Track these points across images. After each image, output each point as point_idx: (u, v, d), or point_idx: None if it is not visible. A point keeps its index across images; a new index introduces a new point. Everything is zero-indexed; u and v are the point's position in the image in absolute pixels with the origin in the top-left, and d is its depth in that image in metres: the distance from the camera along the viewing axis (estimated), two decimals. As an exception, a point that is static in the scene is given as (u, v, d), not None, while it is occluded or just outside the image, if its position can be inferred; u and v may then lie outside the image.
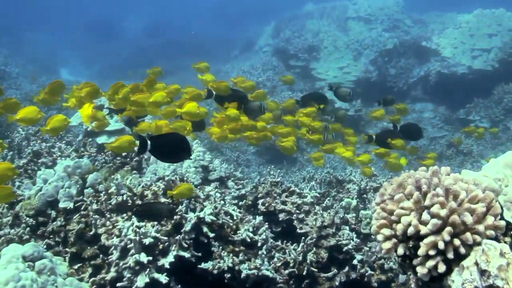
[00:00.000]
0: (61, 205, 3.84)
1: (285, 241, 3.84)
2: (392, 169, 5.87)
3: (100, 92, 3.86)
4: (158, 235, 3.29)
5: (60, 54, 23.73)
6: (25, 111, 3.32)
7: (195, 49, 23.43)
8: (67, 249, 3.64)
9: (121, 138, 3.50)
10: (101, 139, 6.11)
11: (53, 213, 3.85)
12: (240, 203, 4.07)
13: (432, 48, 13.91)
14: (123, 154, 4.85)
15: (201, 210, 3.50)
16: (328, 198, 4.35)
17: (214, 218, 3.41)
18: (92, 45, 24.87)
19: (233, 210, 3.69)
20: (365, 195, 5.51)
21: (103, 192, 3.73)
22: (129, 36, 26.66)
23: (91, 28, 26.46)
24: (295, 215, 4.00)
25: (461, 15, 14.57)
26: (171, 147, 3.02)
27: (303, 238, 3.67)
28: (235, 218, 3.61)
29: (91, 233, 3.56)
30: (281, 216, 4.01)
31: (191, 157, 3.47)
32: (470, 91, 12.51)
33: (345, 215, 4.00)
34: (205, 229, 3.38)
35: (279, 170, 9.61)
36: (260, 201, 4.16)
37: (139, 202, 3.62)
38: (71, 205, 3.84)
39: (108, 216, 3.59)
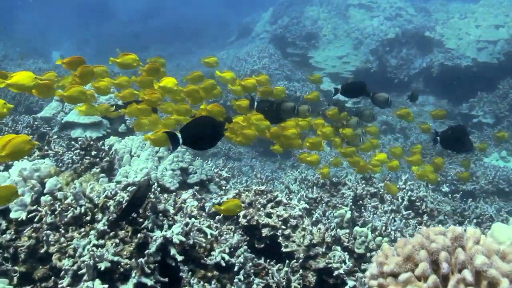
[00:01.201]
0: (13, 215, 3.34)
1: (268, 260, 3.36)
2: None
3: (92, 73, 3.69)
4: (116, 258, 2.80)
5: (51, 36, 23.07)
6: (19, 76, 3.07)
7: (191, 34, 22.83)
8: (16, 268, 3.15)
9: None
10: (76, 133, 5.63)
11: (3, 224, 3.35)
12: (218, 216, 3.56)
13: (435, 39, 13.36)
14: (93, 153, 4.35)
15: (170, 227, 3.01)
16: (319, 211, 3.83)
17: (183, 239, 2.92)
18: (85, 27, 24.21)
19: (208, 226, 3.20)
20: (361, 202, 5.04)
21: (58, 203, 3.23)
22: (123, 18, 25.94)
23: (84, 9, 25.71)
24: (280, 231, 3.51)
25: (467, 5, 14.00)
26: (202, 133, 2.94)
27: (287, 262, 3.19)
28: (209, 236, 3.12)
29: (43, 250, 3.07)
30: (265, 231, 3.53)
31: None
32: (474, 84, 11.99)
33: (337, 231, 3.51)
34: (172, 251, 2.89)
35: (272, 165, 9.14)
36: (241, 213, 3.66)
37: (99, 215, 3.13)
38: (23, 215, 3.34)
39: (63, 231, 3.09)
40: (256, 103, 4.04)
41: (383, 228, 4.60)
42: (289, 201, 3.81)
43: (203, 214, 4.07)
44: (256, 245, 3.57)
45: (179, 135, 2.85)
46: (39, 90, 3.34)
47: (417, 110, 12.27)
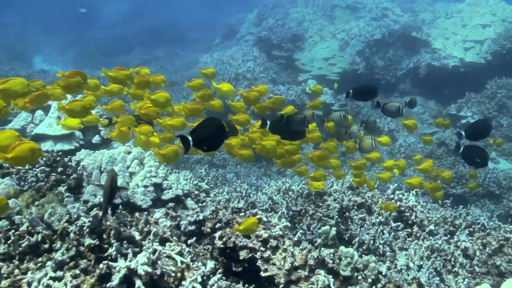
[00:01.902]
0: (-36, 243, 3.04)
1: (246, 286, 3.09)
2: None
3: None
4: (73, 294, 2.51)
5: (33, 40, 22.60)
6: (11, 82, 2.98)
7: (175, 37, 22.52)
8: (-34, 303, 2.85)
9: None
10: (46, 145, 5.32)
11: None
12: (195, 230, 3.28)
13: (422, 39, 13.18)
14: (60, 169, 4.05)
15: (135, 255, 2.73)
16: (301, 230, 3.56)
17: (149, 269, 2.64)
18: (68, 30, 23.77)
19: (179, 252, 2.92)
20: (347, 213, 4.78)
21: (12, 231, 2.93)
22: (106, 22, 25.54)
23: (67, 13, 25.27)
24: (259, 253, 3.24)
25: (453, 4, 13.87)
26: (212, 134, 2.95)
27: (265, 290, 2.93)
28: (179, 264, 2.84)
29: (-4, 283, 2.77)
30: (242, 254, 3.25)
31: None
32: (461, 85, 11.83)
33: (321, 252, 3.25)
34: (137, 282, 2.61)
35: (258, 171, 8.87)
36: (218, 234, 3.39)
37: (58, 243, 2.84)
38: (-24, 243, 3.03)
39: (17, 262, 2.80)
40: (269, 123, 3.91)
41: (371, 242, 4.36)
42: (269, 218, 3.53)
43: (179, 232, 3.80)
44: (234, 268, 3.30)
45: (189, 137, 2.85)
46: (32, 99, 3.18)
47: (405, 112, 12.05)
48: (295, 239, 3.37)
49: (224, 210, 3.62)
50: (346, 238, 4.51)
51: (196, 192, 5.03)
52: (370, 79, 12.95)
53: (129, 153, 4.31)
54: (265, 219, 3.49)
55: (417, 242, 4.53)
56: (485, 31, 12.37)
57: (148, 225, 3.26)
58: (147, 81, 3.87)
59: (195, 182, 5.45)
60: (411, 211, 4.88)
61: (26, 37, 22.39)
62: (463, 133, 4.67)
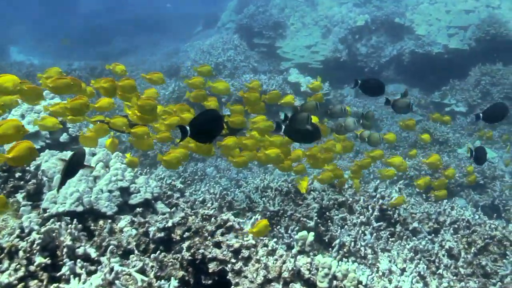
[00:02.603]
0: None
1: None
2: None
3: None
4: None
5: (9, 30, 21.97)
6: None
7: (157, 25, 22.05)
8: None
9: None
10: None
11: None
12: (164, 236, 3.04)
13: (405, 25, 12.96)
14: (18, 175, 3.77)
15: (90, 274, 2.47)
16: (274, 239, 3.34)
17: (104, 293, 2.39)
18: (45, 19, 23.15)
19: (141, 269, 2.68)
20: (327, 214, 4.56)
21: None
22: (85, 10, 24.93)
23: (44, 2, 24.61)
24: (230, 265, 3.00)
25: (436, -11, 13.63)
26: (210, 126, 3.05)
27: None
28: (139, 284, 2.59)
29: None
30: (212, 266, 3.02)
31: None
32: (445, 72, 11.65)
33: (297, 262, 3.02)
34: (92, 307, 2.36)
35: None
36: (185, 244, 3.15)
37: (6, 264, 2.57)
38: None
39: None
40: (283, 127, 3.84)
41: (352, 244, 4.16)
42: (242, 225, 3.30)
43: (147, 240, 3.55)
44: (204, 281, 3.06)
45: (187, 128, 2.97)
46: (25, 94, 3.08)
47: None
48: (269, 248, 3.14)
49: (193, 217, 3.36)
50: (327, 240, 4.30)
51: (170, 192, 4.79)
52: (353, 67, 12.74)
53: (93, 155, 4.04)
54: (237, 226, 3.25)
55: (401, 242, 4.34)
56: (469, 17, 12.19)
57: (108, 239, 3.00)
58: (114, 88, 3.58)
59: (168, 181, 5.21)
60: (393, 208, 4.68)
61: (2, 27, 21.78)
62: (481, 115, 4.63)
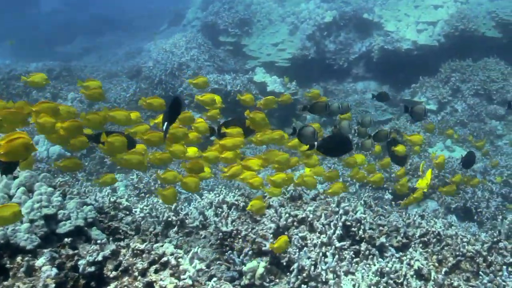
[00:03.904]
0: None
1: None
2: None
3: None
4: None
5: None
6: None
7: (121, 24, 21.35)
8: None
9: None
10: None
11: None
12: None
13: (374, 21, 12.64)
14: None
15: None
16: (222, 268, 2.91)
17: None
18: (4, 17, 22.16)
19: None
20: (286, 233, 4.14)
21: None
22: (47, 8, 24.02)
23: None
24: (162, 312, 2.55)
25: (404, -16, 13.34)
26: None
27: None
28: None
29: None
30: (141, 314, 2.56)
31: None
32: (415, 68, 11.38)
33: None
34: None
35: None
36: (112, 285, 2.69)
37: None
38: None
39: None
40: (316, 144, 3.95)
41: (312, 268, 3.76)
42: (179, 260, 2.85)
43: (75, 276, 3.08)
44: (133, 330, 2.61)
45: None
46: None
47: (359, 98, 11.57)
48: (212, 285, 2.70)
49: (124, 250, 2.90)
50: (284, 263, 3.89)
51: (113, 212, 4.32)
52: (322, 64, 12.37)
53: (15, 178, 3.53)
54: (173, 262, 2.80)
55: (366, 262, 3.96)
56: (437, 12, 11.93)
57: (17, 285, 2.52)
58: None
59: (112, 199, 4.71)
60: (358, 224, 4.29)
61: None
62: None
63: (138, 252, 2.86)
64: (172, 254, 2.88)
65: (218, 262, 4.00)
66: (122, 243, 3.09)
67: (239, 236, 4.04)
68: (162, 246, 3.28)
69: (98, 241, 3.22)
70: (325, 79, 12.26)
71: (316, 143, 3.88)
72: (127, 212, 4.67)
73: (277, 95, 10.22)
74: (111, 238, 3.80)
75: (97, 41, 19.31)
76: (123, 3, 24.43)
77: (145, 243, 3.16)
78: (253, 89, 9.90)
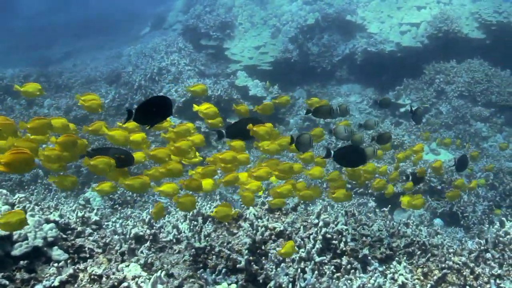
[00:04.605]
0: None
1: None
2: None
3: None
4: None
5: None
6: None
7: (103, 27, 20.99)
8: None
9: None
10: None
11: None
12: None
13: (357, 23, 12.49)
14: None
15: None
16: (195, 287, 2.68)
17: None
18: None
19: None
20: (261, 249, 3.90)
21: None
22: (26, 12, 23.57)
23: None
24: None
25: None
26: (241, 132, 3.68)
27: None
28: None
29: None
30: None
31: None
32: (399, 70, 11.24)
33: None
34: None
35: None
36: (65, 316, 2.43)
37: None
38: None
39: None
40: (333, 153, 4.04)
41: (290, 285, 3.53)
42: (142, 285, 2.60)
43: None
44: None
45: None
46: None
47: (343, 101, 11.39)
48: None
49: (82, 274, 2.65)
50: (261, 281, 3.66)
51: (80, 228, 4.06)
52: (305, 67, 12.18)
53: (-33, 196, 3.26)
54: (134, 287, 2.55)
55: (347, 277, 3.74)
56: (420, 13, 11.82)
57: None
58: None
59: (80, 214, 4.45)
60: (339, 235, 4.08)
61: None
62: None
63: (96, 277, 2.61)
64: (134, 278, 2.64)
65: (191, 280, 3.76)
66: (81, 266, 2.83)
67: (213, 252, 3.80)
68: (127, 266, 3.04)
69: (55, 265, 2.96)
70: (308, 82, 12.06)
71: (333, 152, 3.98)
72: (97, 227, 4.43)
73: (259, 99, 10.07)
74: (76, 258, 3.55)
75: (78, 45, 18.92)
76: (105, 7, 24.07)
77: (106, 265, 2.91)
78: (234, 94, 9.67)
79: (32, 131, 3.11)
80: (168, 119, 3.55)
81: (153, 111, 3.05)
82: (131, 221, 4.78)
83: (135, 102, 10.33)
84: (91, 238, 3.94)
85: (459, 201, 7.12)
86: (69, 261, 3.19)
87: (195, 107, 3.97)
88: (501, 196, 7.37)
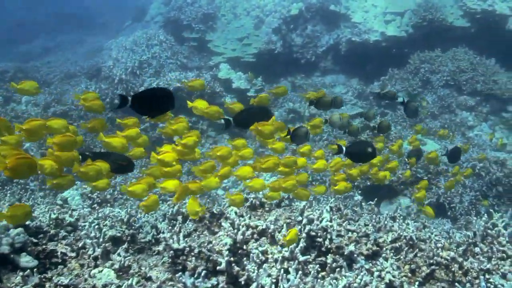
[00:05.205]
0: None
1: None
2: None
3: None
4: None
5: None
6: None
7: (84, 21, 20.58)
8: None
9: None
10: None
11: None
12: None
13: (341, 13, 12.33)
14: None
15: None
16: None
17: None
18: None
19: None
20: (243, 249, 3.74)
21: None
22: (8, 6, 23.07)
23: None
24: None
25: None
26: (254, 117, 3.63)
27: None
28: None
29: None
30: None
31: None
32: (384, 60, 11.12)
33: None
34: None
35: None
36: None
37: None
38: None
39: None
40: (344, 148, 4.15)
41: (273, 287, 3.39)
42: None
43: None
44: None
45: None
46: None
47: (328, 92, 11.24)
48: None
49: (49, 284, 2.47)
50: (242, 282, 3.51)
51: (53, 231, 3.87)
52: (289, 58, 12.00)
53: None
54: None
55: (333, 276, 3.60)
56: (404, 2, 11.68)
57: None
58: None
59: (53, 216, 4.25)
60: (324, 232, 3.93)
61: None
62: None
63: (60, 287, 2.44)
64: (105, 286, 2.46)
65: (170, 284, 3.60)
66: (48, 274, 2.65)
67: (193, 254, 3.64)
68: (100, 272, 2.87)
69: (21, 273, 2.78)
70: (292, 73, 11.90)
71: (345, 148, 4.08)
72: (72, 229, 4.25)
73: (243, 92, 9.88)
74: (47, 263, 3.36)
75: (58, 39, 18.52)
76: (86, 0, 23.64)
77: (79, 271, 2.73)
78: (217, 87, 9.48)
79: (28, 133, 3.05)
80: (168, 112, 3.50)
81: (154, 102, 2.98)
82: (109, 221, 4.59)
83: (117, 97, 10.08)
84: (64, 241, 3.76)
85: (446, 192, 7.04)
86: (35, 269, 3.00)
87: (189, 104, 3.82)
88: (488, 186, 7.29)
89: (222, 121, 3.68)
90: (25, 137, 3.08)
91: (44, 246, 3.50)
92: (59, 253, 3.49)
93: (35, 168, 2.64)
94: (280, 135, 4.18)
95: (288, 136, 4.02)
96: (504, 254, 3.96)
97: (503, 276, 3.67)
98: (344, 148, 4.07)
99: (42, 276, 2.67)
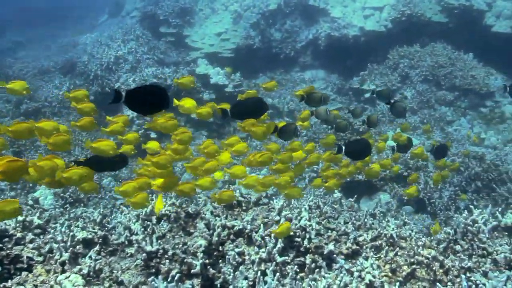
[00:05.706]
0: None
1: None
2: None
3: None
4: None
5: None
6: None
7: (58, 16, 20.11)
8: None
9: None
10: None
11: None
12: None
13: (320, 7, 12.22)
14: None
15: None
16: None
17: None
18: None
19: None
20: (220, 250, 3.61)
21: None
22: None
23: None
24: None
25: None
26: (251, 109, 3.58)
27: None
28: None
29: None
30: None
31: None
32: (363, 55, 11.07)
33: None
34: None
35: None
36: None
37: None
38: None
39: None
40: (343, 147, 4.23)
41: (250, 290, 3.27)
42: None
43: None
44: None
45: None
46: None
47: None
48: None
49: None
50: (218, 285, 3.38)
51: (20, 235, 3.69)
52: (268, 54, 11.87)
53: None
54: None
55: (312, 277, 3.49)
56: (383, -4, 11.65)
57: None
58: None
59: (20, 218, 4.06)
60: (303, 232, 3.82)
61: None
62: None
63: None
64: (68, 294, 2.30)
65: (143, 287, 3.45)
66: (8, 283, 2.48)
67: (166, 256, 3.49)
68: (67, 278, 2.70)
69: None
70: (271, 68, 11.77)
71: (343, 147, 4.15)
72: (41, 231, 4.06)
73: (221, 88, 9.72)
74: (12, 269, 3.18)
75: (30, 34, 18.03)
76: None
77: (45, 277, 2.57)
78: (195, 82, 9.29)
79: (14, 135, 3.00)
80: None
81: (148, 99, 2.89)
82: (81, 222, 4.42)
83: (92, 93, 9.81)
84: (31, 245, 3.58)
85: (426, 187, 7.00)
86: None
87: (176, 102, 3.73)
88: (467, 181, 7.27)
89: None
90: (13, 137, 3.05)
91: (9, 251, 3.31)
92: (24, 258, 3.32)
93: (26, 171, 2.63)
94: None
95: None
96: (484, 251, 3.90)
97: (484, 275, 3.60)
98: (343, 148, 4.15)
99: (1, 286, 2.49)
